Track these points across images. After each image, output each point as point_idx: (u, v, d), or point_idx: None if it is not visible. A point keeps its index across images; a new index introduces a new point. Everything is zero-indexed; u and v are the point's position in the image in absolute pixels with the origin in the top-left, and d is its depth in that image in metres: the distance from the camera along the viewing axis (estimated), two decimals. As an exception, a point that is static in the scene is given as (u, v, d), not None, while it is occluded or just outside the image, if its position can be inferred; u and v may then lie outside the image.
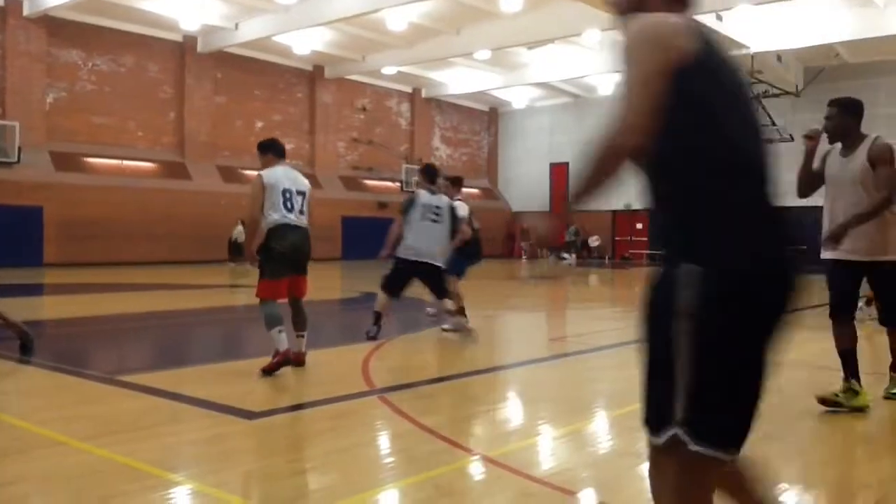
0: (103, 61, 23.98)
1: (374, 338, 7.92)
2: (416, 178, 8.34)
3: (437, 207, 8.16)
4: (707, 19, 20.50)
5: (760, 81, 24.51)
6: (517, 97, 35.38)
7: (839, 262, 4.95)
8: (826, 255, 4.95)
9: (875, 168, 4.84)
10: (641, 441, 4.27)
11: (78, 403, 5.16)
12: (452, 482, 3.62)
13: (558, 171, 35.77)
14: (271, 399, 5.45)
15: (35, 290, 15.51)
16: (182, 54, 25.72)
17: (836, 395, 4.94)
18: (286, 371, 6.18)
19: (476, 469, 3.86)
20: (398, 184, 31.72)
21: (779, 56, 24.79)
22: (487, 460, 3.91)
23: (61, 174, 22.47)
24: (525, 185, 36.79)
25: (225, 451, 4.11)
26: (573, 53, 27.17)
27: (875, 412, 4.94)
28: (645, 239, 33.22)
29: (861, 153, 4.89)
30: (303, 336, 6.40)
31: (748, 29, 22.08)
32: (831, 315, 5.02)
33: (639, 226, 33.43)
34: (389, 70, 28.84)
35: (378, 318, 8.09)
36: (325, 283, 12.17)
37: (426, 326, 9.40)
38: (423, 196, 8.20)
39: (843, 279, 5.01)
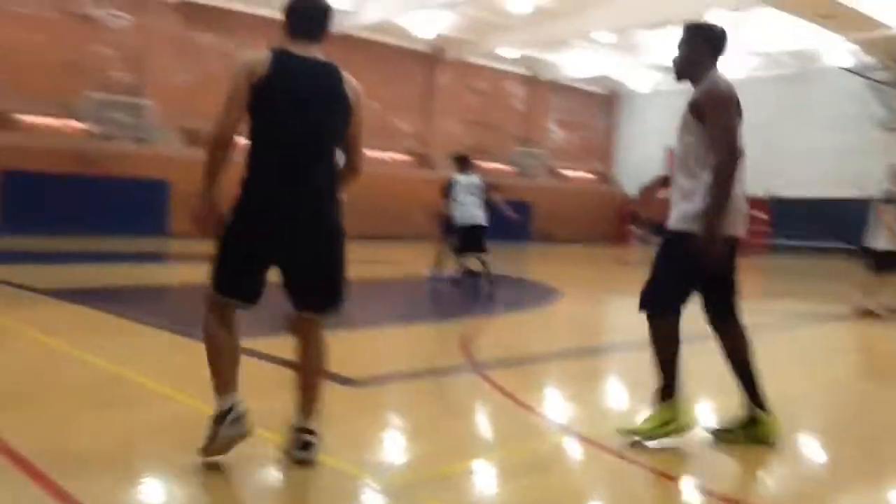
0: (235, 45, 24.95)
1: (458, 281, 11.06)
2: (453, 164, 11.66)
3: (474, 185, 10.87)
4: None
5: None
6: (639, 81, 34.49)
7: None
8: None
9: (703, 119, 3.60)
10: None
11: (191, 363, 5.41)
12: (544, 457, 3.62)
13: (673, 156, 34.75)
14: (372, 367, 5.59)
15: (161, 258, 16.45)
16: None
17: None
18: (387, 343, 6.43)
19: (570, 446, 3.84)
20: (510, 167, 31.57)
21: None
22: (582, 438, 3.87)
23: (190, 150, 23.63)
24: (640, 169, 35.91)
25: (327, 416, 4.23)
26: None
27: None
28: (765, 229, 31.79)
29: (693, 96, 3.70)
30: None
31: (890, 5, 20.80)
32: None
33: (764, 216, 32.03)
34: (509, 52, 28.64)
35: (463, 270, 10.94)
36: (425, 262, 12.56)
37: (529, 306, 9.57)
38: (461, 178, 10.93)
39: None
